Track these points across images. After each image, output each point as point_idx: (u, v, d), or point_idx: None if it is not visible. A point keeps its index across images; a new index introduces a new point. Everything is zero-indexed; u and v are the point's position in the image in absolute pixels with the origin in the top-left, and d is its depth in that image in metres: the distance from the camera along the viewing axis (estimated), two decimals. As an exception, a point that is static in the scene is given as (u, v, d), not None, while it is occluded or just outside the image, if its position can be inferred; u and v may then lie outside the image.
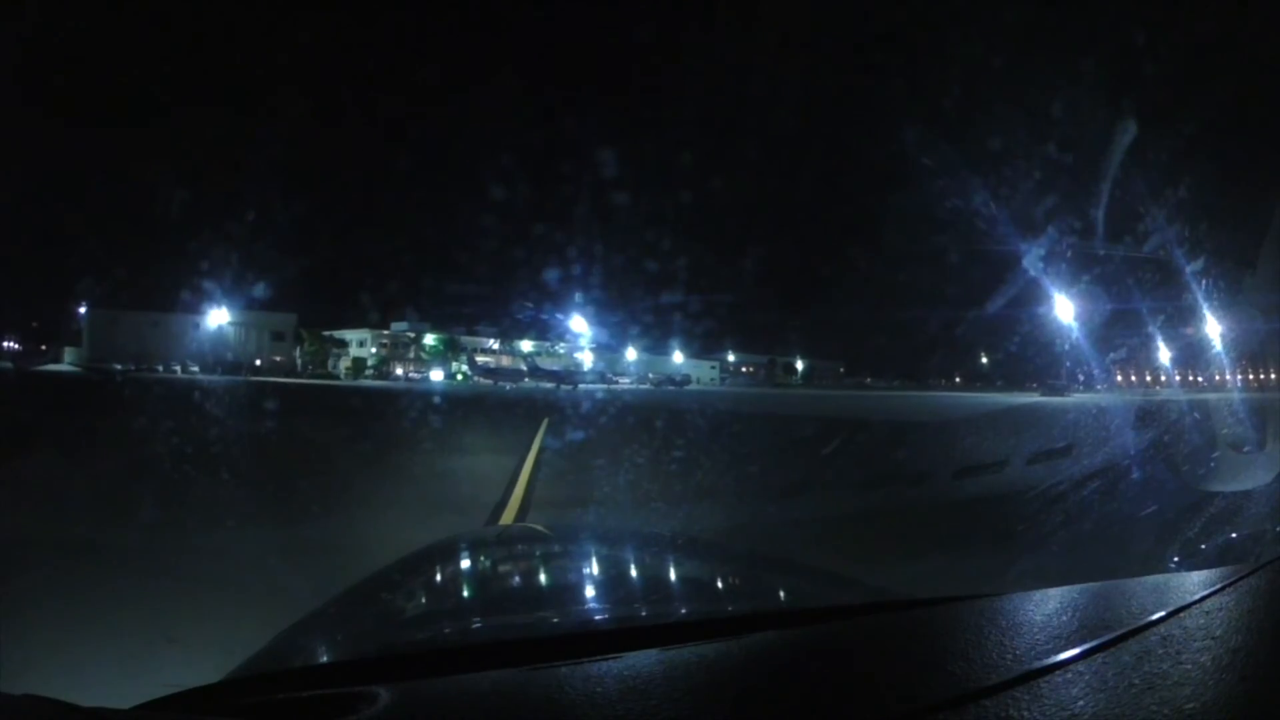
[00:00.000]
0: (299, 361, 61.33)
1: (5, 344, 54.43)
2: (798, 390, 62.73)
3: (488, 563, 2.54)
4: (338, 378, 58.08)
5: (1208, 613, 1.20)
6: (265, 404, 20.99)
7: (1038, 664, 1.01)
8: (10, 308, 55.90)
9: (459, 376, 59.97)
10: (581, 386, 49.69)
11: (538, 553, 2.74)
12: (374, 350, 65.07)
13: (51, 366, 46.17)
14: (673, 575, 2.41)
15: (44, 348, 53.23)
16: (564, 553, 2.77)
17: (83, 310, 54.23)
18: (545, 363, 62.11)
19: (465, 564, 2.49)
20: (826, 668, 1.16)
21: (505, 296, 56.07)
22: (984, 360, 70.55)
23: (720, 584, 2.37)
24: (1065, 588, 1.52)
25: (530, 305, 54.49)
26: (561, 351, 67.73)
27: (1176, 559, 3.87)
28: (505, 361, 64.17)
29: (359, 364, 62.94)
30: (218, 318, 54.56)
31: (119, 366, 42.52)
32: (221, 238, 39.66)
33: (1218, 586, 1.34)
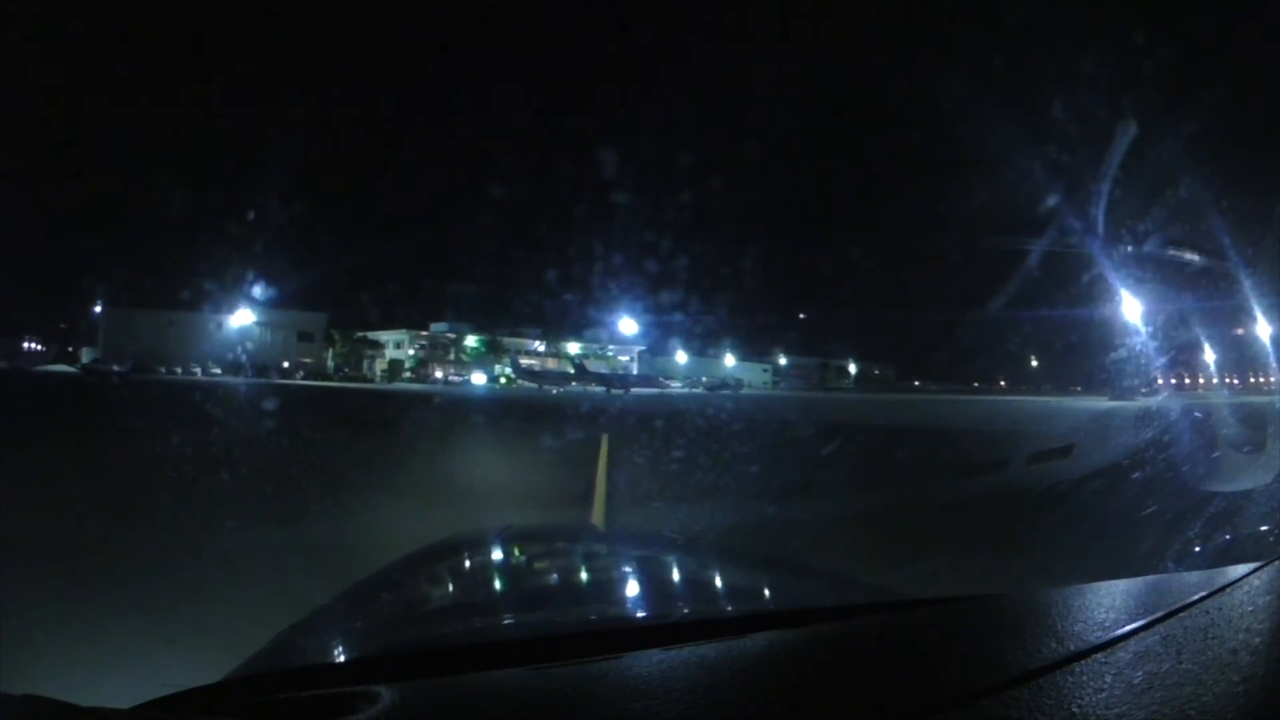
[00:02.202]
0: (330, 363, 59.16)
1: (28, 345, 53.01)
2: (862, 395, 59.94)
3: (488, 563, 2.48)
4: (372, 380, 56.07)
5: (1208, 613, 1.20)
6: (261, 411, 19.07)
7: (1038, 664, 1.02)
8: (39, 309, 54.61)
9: (502, 379, 57.82)
10: (633, 390, 47.64)
11: (538, 553, 2.70)
12: (411, 352, 62.67)
13: (54, 368, 44.17)
14: (673, 575, 2.40)
15: (45, 348, 51.98)
16: (564, 553, 2.74)
17: (98, 310, 52.69)
18: (592, 365, 59.85)
19: (465, 564, 2.46)
20: (826, 668, 1.15)
21: (550, 297, 53.89)
22: (1034, 364, 69.48)
23: (720, 584, 2.33)
24: (1065, 588, 1.53)
25: (577, 306, 52.68)
26: (609, 354, 65.70)
27: (1187, 555, 3.92)
28: (550, 364, 62.07)
29: (396, 366, 60.48)
30: (241, 317, 52.44)
31: (117, 368, 40.11)
32: (249, 237, 37.87)
33: (1218, 586, 1.33)
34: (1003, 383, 75.82)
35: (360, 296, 61.65)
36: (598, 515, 7.06)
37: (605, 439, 13.13)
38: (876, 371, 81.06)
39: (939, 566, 4.95)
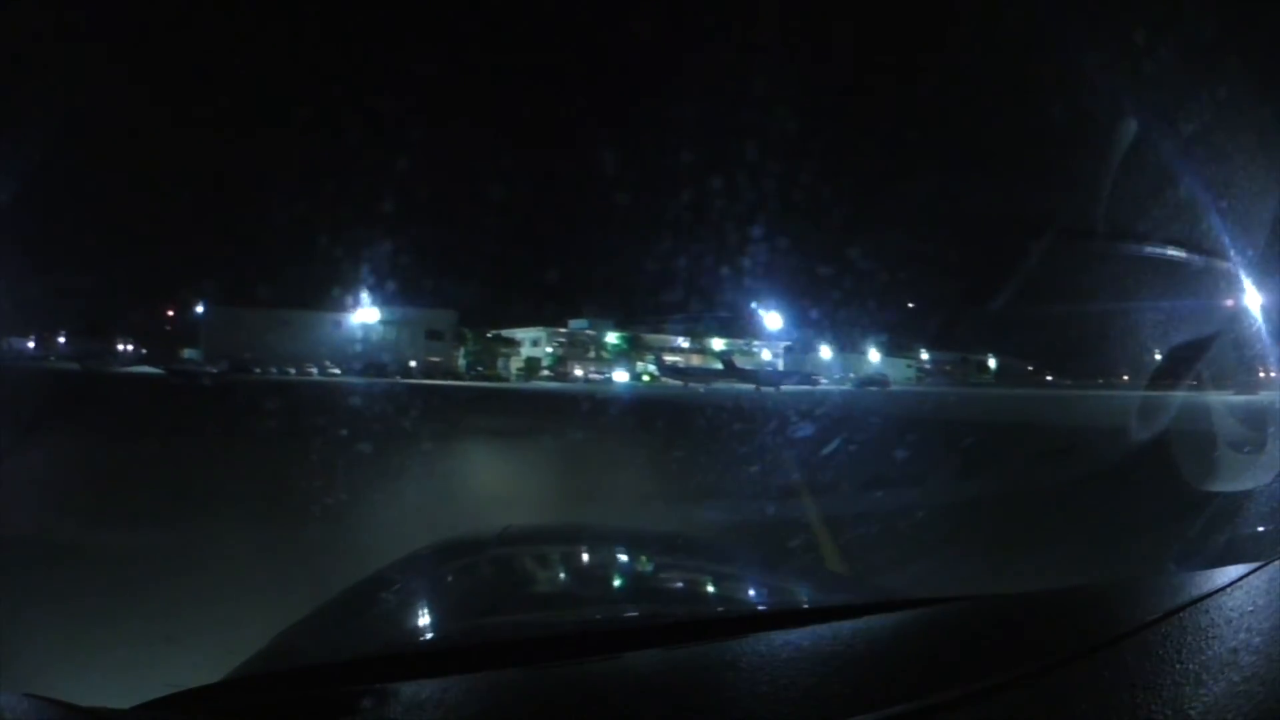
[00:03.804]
0: (461, 362, 57.32)
1: (124, 346, 52.04)
2: (1013, 390, 56.10)
3: (487, 562, 2.44)
4: (507, 379, 54.29)
5: (1208, 612, 1.20)
6: (348, 410, 18.12)
7: (1038, 664, 1.02)
8: (147, 310, 54.06)
9: (645, 377, 55.97)
10: (782, 388, 45.21)
11: (537, 553, 2.66)
12: (549, 350, 60.79)
13: (139, 369, 41.88)
14: (673, 575, 2.41)
15: (144, 349, 50.15)
16: (563, 553, 2.70)
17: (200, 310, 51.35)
18: (738, 362, 57.25)
19: (465, 564, 2.44)
20: (826, 668, 1.14)
21: (693, 292, 51.71)
22: (1156, 357, 65.64)
23: (720, 584, 2.34)
24: (1065, 588, 1.57)
25: (720, 301, 50.47)
26: (754, 350, 63.43)
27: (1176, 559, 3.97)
28: (694, 360, 60.05)
29: (532, 364, 58.64)
30: (363, 315, 50.53)
31: (212, 368, 38.11)
32: (373, 234, 36.18)
33: (1218, 586, 1.33)
34: (1125, 377, 72.26)
35: (493, 293, 60.54)
36: (817, 523, 6.19)
37: (801, 486, 10.88)
38: (1013, 366, 77.16)
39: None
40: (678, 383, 49.59)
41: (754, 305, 50.07)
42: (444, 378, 47.51)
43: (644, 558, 2.63)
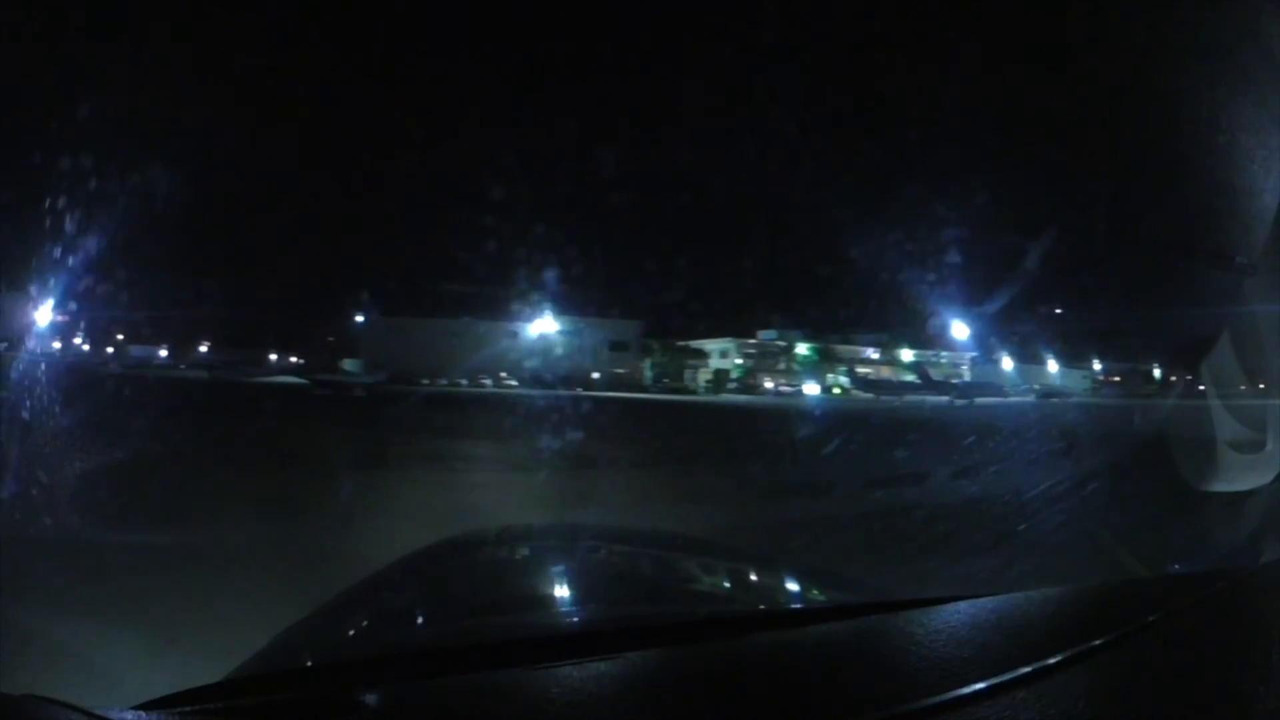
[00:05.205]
0: (647, 374, 56.14)
1: (276, 357, 51.38)
2: (1194, 402, 53.77)
3: (487, 563, 2.48)
4: (695, 392, 52.91)
5: (1208, 612, 1.22)
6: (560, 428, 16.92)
7: (1037, 664, 1.02)
8: (308, 320, 52.69)
9: (835, 389, 56.29)
10: (976, 400, 44.93)
11: (538, 552, 2.69)
12: (738, 361, 58.74)
13: (279, 378, 41.01)
14: (673, 575, 2.41)
15: (286, 358, 49.51)
16: (564, 552, 2.68)
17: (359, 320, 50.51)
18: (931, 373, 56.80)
19: (465, 564, 2.45)
20: (826, 668, 1.15)
21: (881, 301, 51.27)
22: None
23: (720, 584, 2.35)
24: (1065, 588, 1.56)
25: (911, 310, 50.34)
26: (942, 360, 62.90)
27: (1176, 559, 3.82)
28: (882, 372, 59.99)
29: (721, 376, 56.76)
30: (541, 326, 49.07)
31: (368, 380, 37.91)
32: (554, 241, 35.09)
33: (1218, 586, 1.32)
34: (1261, 385, 68.14)
35: (678, 303, 60.18)
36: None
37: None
38: (1173, 378, 73.84)
39: None
40: (869, 395, 49.78)
41: (942, 314, 49.74)
42: (629, 390, 48.00)
43: (644, 558, 2.62)
